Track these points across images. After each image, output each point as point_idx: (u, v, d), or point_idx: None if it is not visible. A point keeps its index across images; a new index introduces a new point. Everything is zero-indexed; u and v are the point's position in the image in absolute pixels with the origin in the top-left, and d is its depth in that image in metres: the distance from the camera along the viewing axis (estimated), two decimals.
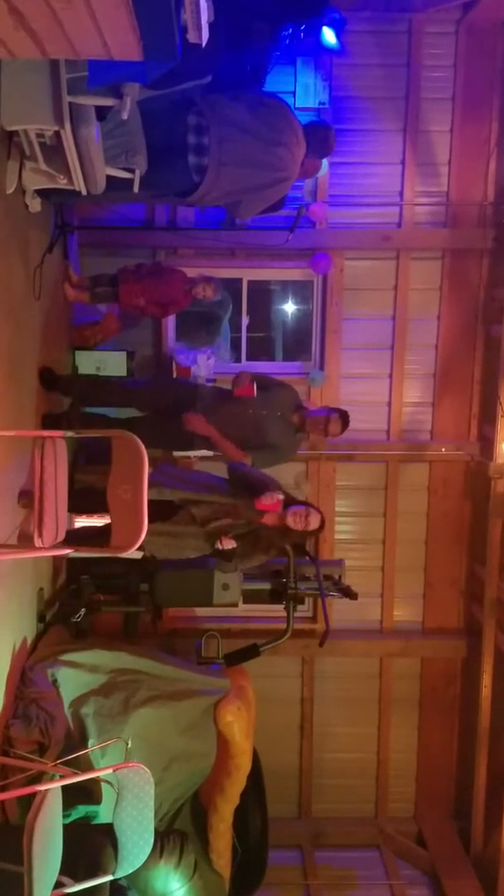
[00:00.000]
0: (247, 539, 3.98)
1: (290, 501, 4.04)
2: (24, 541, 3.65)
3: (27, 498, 3.62)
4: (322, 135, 4.20)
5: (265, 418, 4.24)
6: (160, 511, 3.95)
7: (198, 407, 4.27)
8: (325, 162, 4.55)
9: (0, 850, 2.84)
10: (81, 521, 4.36)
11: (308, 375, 5.23)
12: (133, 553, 2.98)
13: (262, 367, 5.22)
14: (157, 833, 3.03)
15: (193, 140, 3.74)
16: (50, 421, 4.16)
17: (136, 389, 4.51)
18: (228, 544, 3.90)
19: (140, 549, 3.88)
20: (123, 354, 4.80)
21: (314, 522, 3.98)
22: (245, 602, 4.74)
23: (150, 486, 3.49)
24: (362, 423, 5.34)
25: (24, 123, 3.08)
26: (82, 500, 3.80)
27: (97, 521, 4.10)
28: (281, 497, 3.95)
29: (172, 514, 3.99)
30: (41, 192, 3.74)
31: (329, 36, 4.58)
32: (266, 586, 4.61)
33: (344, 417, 4.29)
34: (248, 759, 4.29)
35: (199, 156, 3.77)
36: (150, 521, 3.81)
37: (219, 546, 3.91)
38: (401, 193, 5.15)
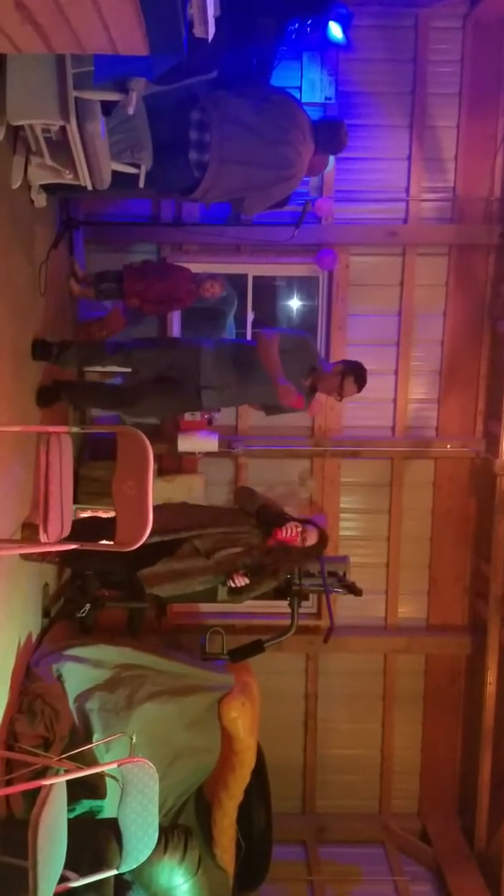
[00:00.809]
0: (255, 571, 3.99)
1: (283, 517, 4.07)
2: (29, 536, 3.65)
3: (30, 529, 3.59)
4: (334, 131, 4.18)
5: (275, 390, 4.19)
6: (163, 548, 3.93)
7: (202, 383, 4.13)
8: (330, 158, 4.54)
9: (5, 845, 2.86)
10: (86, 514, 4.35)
11: None
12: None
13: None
14: (161, 828, 3.04)
15: (195, 136, 3.73)
16: (46, 392, 4.05)
17: (133, 351, 4.25)
18: (241, 581, 3.91)
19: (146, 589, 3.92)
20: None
21: (311, 538, 4.01)
22: (249, 598, 4.74)
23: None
24: (367, 420, 5.34)
25: (30, 118, 3.07)
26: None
27: (102, 514, 4.10)
28: (300, 528, 3.97)
29: (175, 549, 3.97)
30: (46, 188, 3.74)
31: (335, 31, 4.56)
32: None
33: (359, 378, 4.14)
34: (252, 755, 4.30)
35: (201, 152, 3.76)
36: (152, 563, 3.84)
37: (232, 584, 3.92)
38: (407, 189, 5.13)
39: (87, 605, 4.24)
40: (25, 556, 3.90)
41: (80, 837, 2.71)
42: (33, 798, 2.48)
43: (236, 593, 3.99)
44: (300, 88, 4.88)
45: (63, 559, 4.13)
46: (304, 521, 4.11)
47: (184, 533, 4.00)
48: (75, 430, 3.26)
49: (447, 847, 5.48)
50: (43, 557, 4.02)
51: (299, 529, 3.98)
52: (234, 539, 4.01)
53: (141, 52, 2.22)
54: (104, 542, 3.44)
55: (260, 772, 4.50)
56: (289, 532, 3.95)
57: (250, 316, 5.23)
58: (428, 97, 5.02)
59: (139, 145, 3.53)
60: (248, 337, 5.11)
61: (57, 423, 4.13)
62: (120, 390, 4.35)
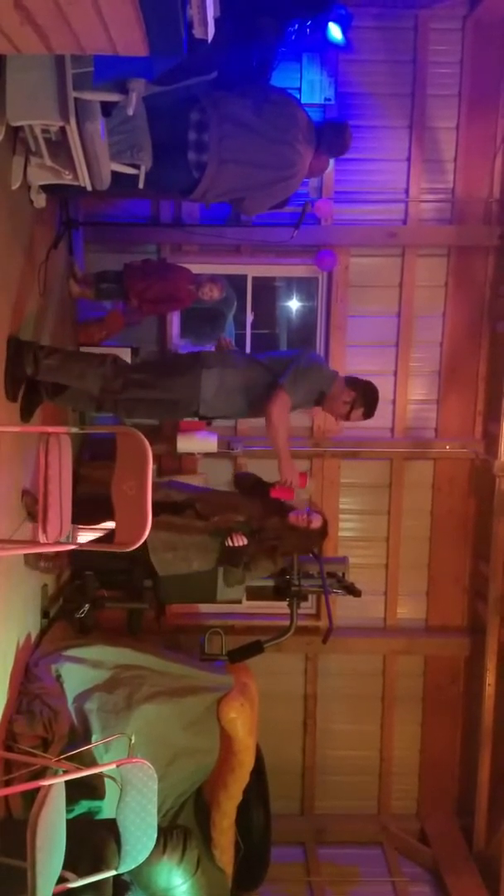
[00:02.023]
0: (252, 543, 3.90)
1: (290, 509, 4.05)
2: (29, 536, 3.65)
3: (30, 497, 3.62)
4: (339, 132, 4.19)
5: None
6: (164, 508, 3.94)
7: (201, 412, 3.81)
8: (330, 159, 4.55)
9: (4, 845, 2.86)
10: (85, 534, 4.34)
11: None
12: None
13: None
14: (160, 829, 3.03)
15: (194, 137, 3.73)
16: (26, 394, 3.62)
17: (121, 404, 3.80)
18: (240, 541, 3.79)
19: (145, 555, 3.86)
20: (128, 351, 4.80)
21: (316, 522, 4.00)
22: (249, 599, 4.74)
23: (157, 489, 3.41)
24: (367, 421, 5.33)
25: (30, 119, 3.07)
26: (85, 510, 3.69)
27: (101, 531, 4.08)
28: (295, 477, 3.89)
29: (178, 512, 3.98)
30: (46, 188, 3.74)
31: (335, 32, 4.56)
32: (270, 583, 4.61)
33: (369, 412, 3.94)
34: (251, 756, 4.30)
35: (199, 153, 3.76)
36: (156, 515, 3.79)
37: (230, 543, 3.79)
38: (406, 190, 5.14)
39: (87, 605, 4.24)
40: (30, 566, 3.91)
41: (78, 838, 2.70)
42: (32, 798, 2.48)
43: (234, 560, 3.84)
44: (300, 89, 4.88)
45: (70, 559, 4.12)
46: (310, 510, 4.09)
47: (187, 493, 4.04)
48: (75, 430, 3.26)
49: (446, 848, 5.48)
50: (46, 560, 4.02)
51: (296, 480, 3.86)
52: (234, 507, 4.00)
53: (141, 52, 2.22)
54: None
55: (259, 772, 4.50)
56: (286, 481, 3.82)
57: (250, 316, 5.24)
58: (427, 98, 5.02)
59: (138, 146, 3.54)
60: (248, 332, 5.03)
61: (56, 424, 4.14)
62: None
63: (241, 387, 3.81)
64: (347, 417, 3.96)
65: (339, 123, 4.32)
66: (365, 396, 3.93)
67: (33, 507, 3.51)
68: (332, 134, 4.18)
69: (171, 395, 3.76)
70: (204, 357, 3.81)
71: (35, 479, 3.37)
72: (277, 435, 3.75)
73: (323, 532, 4.09)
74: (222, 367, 3.79)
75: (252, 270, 5.22)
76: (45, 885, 2.41)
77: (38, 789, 2.48)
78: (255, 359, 3.92)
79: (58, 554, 4.06)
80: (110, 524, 3.04)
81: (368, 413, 3.98)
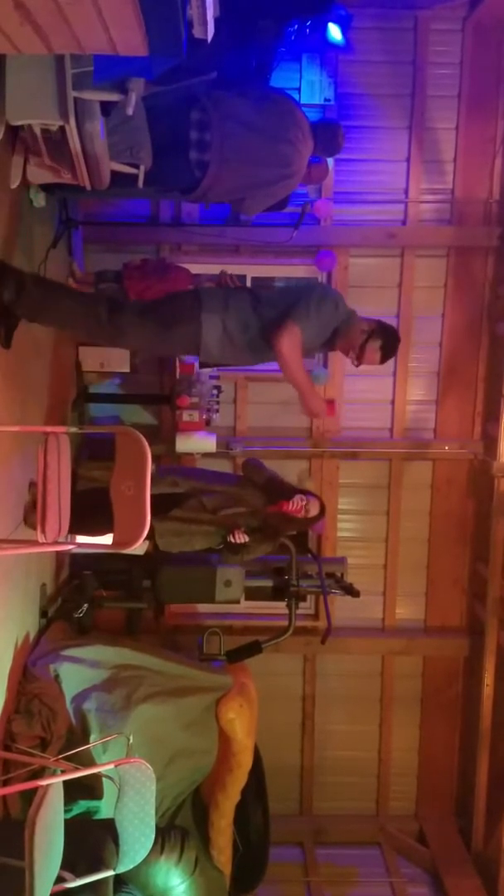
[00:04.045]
0: (255, 531, 4.00)
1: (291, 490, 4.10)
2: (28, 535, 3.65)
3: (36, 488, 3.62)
4: (331, 133, 4.19)
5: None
6: (171, 500, 3.97)
7: (201, 359, 3.80)
8: (329, 162, 4.55)
9: (1, 845, 2.85)
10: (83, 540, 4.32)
11: (311, 373, 5.20)
12: (137, 549, 2.94)
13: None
14: (158, 829, 3.03)
15: (196, 136, 3.73)
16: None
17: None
18: (241, 538, 3.92)
19: (149, 537, 3.86)
20: (125, 353, 4.80)
21: (313, 509, 4.03)
22: (247, 599, 4.73)
23: (164, 476, 3.36)
24: (365, 421, 5.35)
25: (29, 118, 3.07)
26: (83, 518, 3.60)
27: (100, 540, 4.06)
28: (305, 502, 4.02)
29: (183, 503, 4.01)
30: (45, 188, 3.74)
31: (335, 33, 4.57)
32: (268, 583, 4.62)
33: (386, 346, 3.70)
34: (250, 756, 4.30)
35: (201, 152, 3.76)
36: (162, 511, 3.82)
37: (232, 540, 3.91)
38: (406, 191, 5.14)
39: (85, 605, 4.25)
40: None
41: (76, 838, 2.70)
42: (30, 798, 2.48)
43: (234, 553, 3.99)
44: (299, 90, 4.88)
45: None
46: (305, 492, 4.12)
47: (192, 481, 4.08)
48: (73, 430, 3.26)
49: (444, 849, 5.48)
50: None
51: (304, 503, 4.03)
52: (238, 499, 4.04)
53: (140, 52, 2.22)
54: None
55: (257, 773, 4.50)
56: (295, 505, 4.00)
57: None
58: (427, 99, 5.03)
59: (138, 145, 3.53)
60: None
61: (55, 424, 4.14)
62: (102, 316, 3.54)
63: (245, 332, 3.57)
64: (362, 353, 3.63)
65: (332, 124, 4.31)
66: (382, 329, 3.68)
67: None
68: (326, 134, 4.18)
69: (169, 345, 3.67)
70: (205, 300, 3.54)
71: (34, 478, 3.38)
72: (291, 370, 3.48)
73: (322, 514, 4.16)
74: (224, 313, 3.54)
75: (252, 270, 5.22)
76: (42, 886, 2.41)
77: (36, 789, 2.48)
78: (260, 300, 3.61)
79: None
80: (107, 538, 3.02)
81: (386, 350, 3.67)
